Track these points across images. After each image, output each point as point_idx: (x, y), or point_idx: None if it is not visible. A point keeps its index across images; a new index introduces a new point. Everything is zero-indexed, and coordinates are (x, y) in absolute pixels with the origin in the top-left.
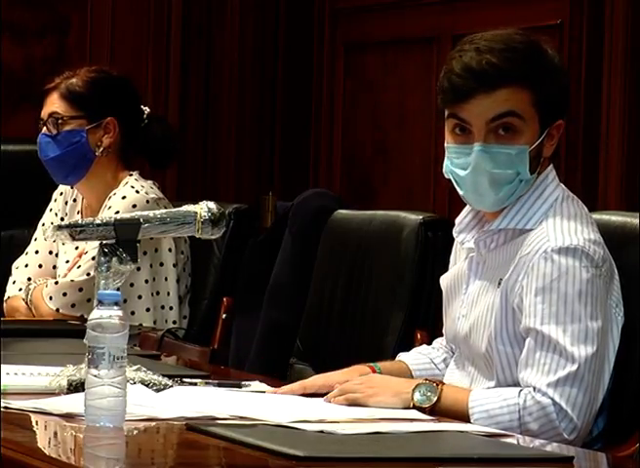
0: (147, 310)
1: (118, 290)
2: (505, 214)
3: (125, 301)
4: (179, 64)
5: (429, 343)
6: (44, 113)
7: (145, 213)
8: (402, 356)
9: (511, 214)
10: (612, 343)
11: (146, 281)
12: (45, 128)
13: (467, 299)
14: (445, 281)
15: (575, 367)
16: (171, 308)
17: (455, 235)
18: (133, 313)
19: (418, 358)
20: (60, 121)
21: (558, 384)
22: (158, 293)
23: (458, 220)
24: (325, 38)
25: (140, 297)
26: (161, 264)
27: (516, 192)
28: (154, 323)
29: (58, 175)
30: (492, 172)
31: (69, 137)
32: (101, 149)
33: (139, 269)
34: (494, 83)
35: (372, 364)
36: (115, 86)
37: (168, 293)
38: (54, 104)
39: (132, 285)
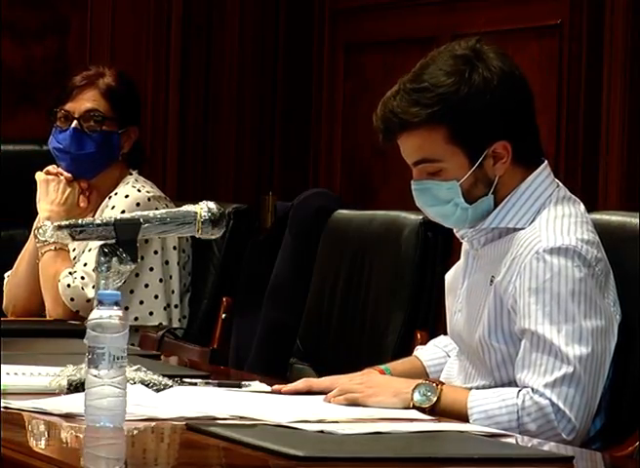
0: (165, 309)
1: (134, 283)
2: (497, 213)
3: (141, 302)
4: (179, 64)
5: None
6: (78, 108)
7: (145, 213)
8: (418, 351)
9: (503, 213)
10: (610, 342)
11: (161, 280)
12: (76, 122)
13: (463, 295)
14: (448, 277)
15: (570, 367)
16: (176, 306)
17: (455, 231)
18: (151, 313)
19: (433, 352)
20: (99, 119)
21: (555, 385)
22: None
23: None
24: (325, 38)
25: (156, 297)
26: (166, 262)
27: (473, 215)
28: (164, 321)
29: (80, 171)
30: (431, 208)
31: (106, 138)
32: (121, 153)
33: (151, 269)
34: (402, 130)
35: (382, 367)
36: (136, 93)
37: (173, 292)
38: (94, 101)
39: (147, 285)
